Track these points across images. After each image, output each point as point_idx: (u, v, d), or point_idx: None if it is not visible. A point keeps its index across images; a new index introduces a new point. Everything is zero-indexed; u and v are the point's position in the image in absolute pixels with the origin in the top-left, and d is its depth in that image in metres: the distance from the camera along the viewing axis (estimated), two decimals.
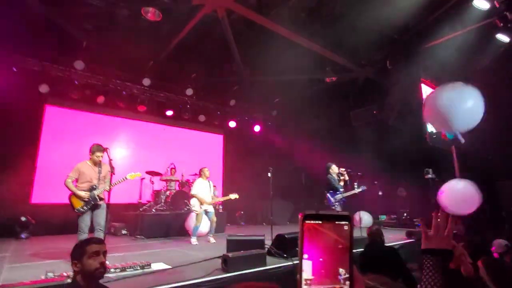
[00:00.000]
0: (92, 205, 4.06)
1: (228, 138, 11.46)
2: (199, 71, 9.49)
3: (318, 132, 10.25)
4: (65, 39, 7.16)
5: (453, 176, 7.70)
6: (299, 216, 0.57)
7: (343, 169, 6.04)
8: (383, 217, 9.37)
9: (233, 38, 7.48)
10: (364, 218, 8.41)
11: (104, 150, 4.07)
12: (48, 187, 7.23)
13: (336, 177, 6.03)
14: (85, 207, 3.99)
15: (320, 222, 0.56)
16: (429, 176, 7.64)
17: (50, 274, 3.06)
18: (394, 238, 6.42)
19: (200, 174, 6.51)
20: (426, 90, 8.12)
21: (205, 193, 6.25)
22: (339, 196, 5.82)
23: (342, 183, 6.05)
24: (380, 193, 8.98)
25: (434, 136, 7.78)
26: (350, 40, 7.69)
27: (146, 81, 8.53)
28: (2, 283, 3.07)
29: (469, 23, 6.35)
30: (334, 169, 6.05)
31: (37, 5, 6.23)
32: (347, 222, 0.56)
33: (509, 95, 6.84)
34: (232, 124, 10.90)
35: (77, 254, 1.77)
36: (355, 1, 6.85)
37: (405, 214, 8.80)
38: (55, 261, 4.25)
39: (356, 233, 5.85)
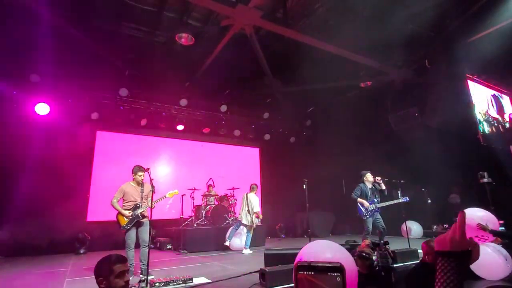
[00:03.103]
0: (136, 222, 4.33)
1: (264, 151, 11.54)
2: (232, 87, 9.83)
3: (357, 139, 9.90)
4: (110, 69, 7.89)
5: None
6: (293, 266, 0.57)
7: (379, 178, 5.71)
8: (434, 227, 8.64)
9: (263, 52, 7.64)
10: (413, 228, 7.85)
11: (145, 170, 4.35)
12: (102, 206, 7.85)
13: (370, 186, 5.72)
14: (129, 224, 4.28)
15: (312, 273, 0.56)
16: (485, 180, 6.92)
17: None
18: None
19: (251, 189, 7.21)
20: (473, 87, 7.50)
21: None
22: (371, 206, 5.50)
23: (377, 192, 5.73)
24: (429, 201, 8.34)
25: (489, 136, 7.11)
26: (383, 42, 7.43)
27: (183, 102, 9.01)
28: None
29: (510, 13, 5.81)
30: (368, 177, 5.75)
31: (89, 43, 6.97)
32: (339, 274, 0.56)
33: None
34: (267, 136, 10.98)
35: (104, 272, 1.89)
36: (384, 2, 6.66)
37: None
38: None
39: (404, 245, 5.46)
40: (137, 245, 4.33)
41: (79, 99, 8.03)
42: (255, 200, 6.94)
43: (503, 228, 6.97)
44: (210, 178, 8.58)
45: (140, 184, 4.49)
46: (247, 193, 7.18)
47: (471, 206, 7.83)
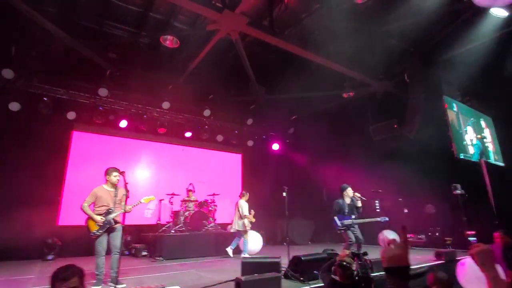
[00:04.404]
0: (108, 228, 4.15)
1: (246, 157, 11.49)
2: (216, 92, 9.76)
3: (337, 148, 10.05)
4: (90, 68, 7.65)
5: (484, 192, 7.21)
6: None
7: (358, 195, 5.79)
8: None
9: (248, 59, 7.65)
10: (390, 237, 7.97)
11: (119, 173, 4.19)
12: (75, 209, 7.48)
13: (348, 201, 5.78)
14: (100, 231, 4.09)
15: None
16: (458, 191, 7.18)
17: None
18: (422, 259, 6.02)
19: (242, 195, 7.38)
20: (449, 103, 7.80)
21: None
22: (348, 222, 5.55)
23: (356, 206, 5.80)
24: (405, 210, 8.54)
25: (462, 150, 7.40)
26: (367, 55, 7.65)
27: (166, 105, 8.84)
28: None
29: (488, 32, 6.13)
30: (349, 192, 5.81)
31: (70, 40, 6.73)
32: None
33: None
34: (250, 143, 10.95)
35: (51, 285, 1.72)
36: (369, 16, 6.85)
37: (436, 233, 8.22)
38: None
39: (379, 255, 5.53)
40: (109, 252, 4.14)
41: (54, 97, 7.72)
42: (244, 205, 7.16)
43: (474, 238, 7.23)
44: (190, 183, 8.42)
45: (114, 187, 4.30)
46: (238, 200, 7.34)
47: (445, 216, 8.11)
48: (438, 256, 5.91)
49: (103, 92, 7.81)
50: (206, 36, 7.17)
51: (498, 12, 5.35)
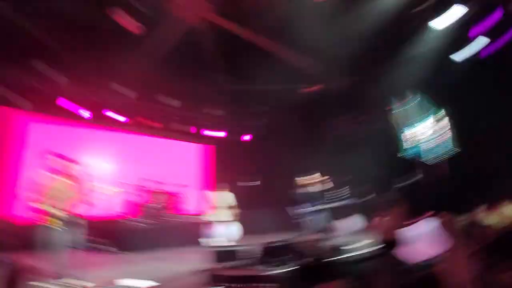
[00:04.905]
0: (66, 222, 3.89)
1: (218, 148, 11.39)
2: (186, 82, 9.49)
3: (305, 140, 10.31)
4: (49, 55, 7.08)
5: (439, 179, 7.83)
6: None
7: (322, 178, 5.91)
8: None
9: (219, 49, 7.52)
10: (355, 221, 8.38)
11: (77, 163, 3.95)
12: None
13: (315, 188, 5.91)
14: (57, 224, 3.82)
15: None
16: (416, 178, 7.71)
17: None
18: None
19: (219, 187, 6.95)
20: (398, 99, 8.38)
21: None
22: (315, 207, 5.70)
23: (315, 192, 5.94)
24: (369, 196, 8.98)
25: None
26: (329, 51, 7.83)
27: (132, 94, 8.46)
28: None
29: (433, 40, 6.71)
30: (303, 181, 5.92)
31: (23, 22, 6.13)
32: None
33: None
34: (221, 134, 10.85)
35: None
36: (332, 15, 7.01)
37: None
38: None
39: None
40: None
41: (9, 85, 7.08)
42: (228, 196, 6.89)
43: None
44: (160, 175, 8.20)
45: (74, 179, 4.03)
46: (217, 192, 6.98)
47: (406, 200, 8.65)
48: None
49: (61, 80, 7.29)
50: (174, 24, 6.92)
51: (436, 25, 5.89)
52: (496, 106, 6.41)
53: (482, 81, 6.53)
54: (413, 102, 8.85)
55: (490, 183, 7.55)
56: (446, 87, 7.37)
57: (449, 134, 9.09)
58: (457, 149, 8.78)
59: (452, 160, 8.17)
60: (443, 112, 9.00)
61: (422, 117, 9.01)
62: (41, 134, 7.85)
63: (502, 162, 7.21)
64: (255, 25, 7.45)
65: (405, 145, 8.49)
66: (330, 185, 6.26)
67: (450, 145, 8.89)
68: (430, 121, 8.98)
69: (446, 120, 9.07)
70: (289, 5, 6.91)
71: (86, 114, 8.10)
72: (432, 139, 8.80)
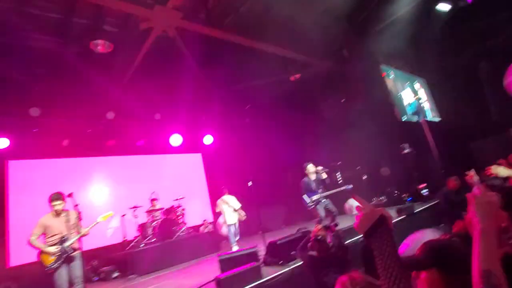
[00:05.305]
0: (66, 257, 3.77)
1: (207, 155, 11.28)
2: (165, 93, 9.33)
3: (295, 130, 10.31)
4: (15, 88, 6.82)
5: (429, 148, 7.95)
6: None
7: (320, 168, 5.95)
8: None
9: (192, 53, 7.41)
10: (355, 205, 8.45)
11: (63, 197, 3.81)
12: (26, 246, 6.77)
13: (313, 177, 5.94)
14: (57, 262, 3.69)
15: None
16: (406, 150, 7.81)
17: None
18: None
19: (223, 193, 7.47)
20: (385, 70, 8.38)
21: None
22: (315, 197, 5.72)
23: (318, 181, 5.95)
24: (365, 176, 9.08)
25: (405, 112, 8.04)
26: (304, 36, 7.84)
27: (110, 115, 8.26)
28: None
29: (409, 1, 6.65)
30: (310, 169, 5.93)
31: None
32: None
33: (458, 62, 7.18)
34: (209, 140, 10.73)
35: None
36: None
37: (394, 192, 8.83)
38: None
39: (349, 222, 5.82)
40: (72, 284, 3.77)
41: None
42: (233, 199, 7.36)
43: (425, 190, 7.96)
44: (153, 192, 8.04)
45: (61, 213, 3.89)
46: (221, 197, 7.39)
47: (399, 175, 8.78)
48: (399, 212, 6.40)
49: (34, 112, 7.04)
50: (143, 35, 6.77)
51: None
52: None
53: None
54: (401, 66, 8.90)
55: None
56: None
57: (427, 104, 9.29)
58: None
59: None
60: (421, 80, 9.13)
61: (411, 79, 9.13)
62: (25, 172, 7.57)
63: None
64: (228, 24, 7.38)
65: (405, 105, 8.48)
66: (330, 170, 6.28)
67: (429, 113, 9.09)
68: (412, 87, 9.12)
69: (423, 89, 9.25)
70: None
71: (65, 143, 7.85)
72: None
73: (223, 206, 7.30)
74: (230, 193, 7.48)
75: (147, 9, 5.70)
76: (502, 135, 7.29)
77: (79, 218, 3.49)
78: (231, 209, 7.27)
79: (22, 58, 6.88)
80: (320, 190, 5.79)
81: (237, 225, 7.32)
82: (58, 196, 3.83)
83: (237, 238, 7.28)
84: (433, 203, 7.18)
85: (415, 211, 6.47)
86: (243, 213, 7.36)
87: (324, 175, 5.94)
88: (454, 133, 7.88)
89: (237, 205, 7.32)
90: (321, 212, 5.65)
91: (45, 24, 6.62)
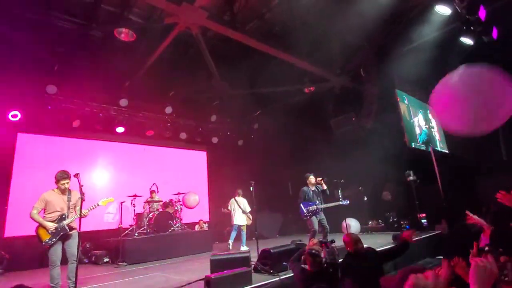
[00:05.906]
0: (62, 235, 3.82)
1: (212, 154, 11.34)
2: (177, 88, 9.45)
3: (301, 142, 10.31)
4: (35, 63, 6.98)
5: (434, 178, 7.87)
6: None
7: (320, 179, 5.97)
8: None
9: (210, 54, 7.50)
10: (352, 224, 8.39)
11: (69, 177, 3.87)
12: (23, 219, 6.84)
13: (313, 188, 5.95)
14: (53, 239, 3.75)
15: None
16: (411, 178, 7.74)
17: None
18: (381, 242, 6.41)
19: (238, 194, 7.74)
20: (400, 95, 8.37)
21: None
22: (312, 208, 5.71)
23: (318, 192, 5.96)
24: (365, 198, 9.02)
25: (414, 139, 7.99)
26: (325, 50, 7.91)
27: (124, 102, 8.39)
28: None
29: (433, 29, 6.65)
30: (311, 179, 5.98)
31: (9, 31, 6.06)
32: None
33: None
34: (215, 140, 10.81)
35: None
36: (326, 13, 7.05)
37: (393, 218, 8.75)
38: None
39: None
40: (64, 261, 3.82)
41: None
42: (245, 202, 7.64)
43: (424, 220, 7.88)
44: (154, 184, 8.10)
45: (66, 191, 3.97)
46: (234, 197, 7.65)
47: (400, 202, 8.70)
48: (394, 239, 6.33)
49: (51, 89, 7.19)
50: (165, 30, 6.89)
51: (442, 10, 5.79)
52: None
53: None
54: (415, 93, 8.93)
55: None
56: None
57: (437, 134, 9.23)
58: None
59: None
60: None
61: (424, 108, 9.11)
62: (33, 146, 7.70)
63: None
64: (251, 29, 7.49)
65: (416, 132, 8.49)
66: (331, 187, 6.29)
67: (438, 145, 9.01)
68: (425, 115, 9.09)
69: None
70: (284, 6, 6.95)
71: (76, 124, 7.98)
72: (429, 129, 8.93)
73: (234, 205, 7.57)
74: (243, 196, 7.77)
75: (175, 5, 5.81)
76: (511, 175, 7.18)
77: (82, 199, 3.54)
78: (240, 211, 7.48)
79: (46, 35, 7.05)
80: (317, 202, 5.78)
81: (244, 229, 7.50)
82: (66, 174, 3.90)
83: (244, 244, 7.37)
84: (432, 233, 7.11)
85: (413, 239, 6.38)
86: (250, 217, 7.57)
87: (324, 186, 5.94)
88: (461, 167, 7.80)
89: (247, 208, 7.57)
90: (315, 225, 5.63)
91: (75, 6, 6.79)
